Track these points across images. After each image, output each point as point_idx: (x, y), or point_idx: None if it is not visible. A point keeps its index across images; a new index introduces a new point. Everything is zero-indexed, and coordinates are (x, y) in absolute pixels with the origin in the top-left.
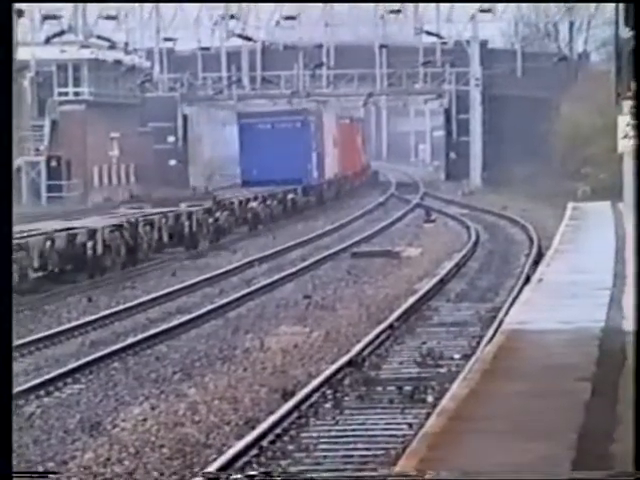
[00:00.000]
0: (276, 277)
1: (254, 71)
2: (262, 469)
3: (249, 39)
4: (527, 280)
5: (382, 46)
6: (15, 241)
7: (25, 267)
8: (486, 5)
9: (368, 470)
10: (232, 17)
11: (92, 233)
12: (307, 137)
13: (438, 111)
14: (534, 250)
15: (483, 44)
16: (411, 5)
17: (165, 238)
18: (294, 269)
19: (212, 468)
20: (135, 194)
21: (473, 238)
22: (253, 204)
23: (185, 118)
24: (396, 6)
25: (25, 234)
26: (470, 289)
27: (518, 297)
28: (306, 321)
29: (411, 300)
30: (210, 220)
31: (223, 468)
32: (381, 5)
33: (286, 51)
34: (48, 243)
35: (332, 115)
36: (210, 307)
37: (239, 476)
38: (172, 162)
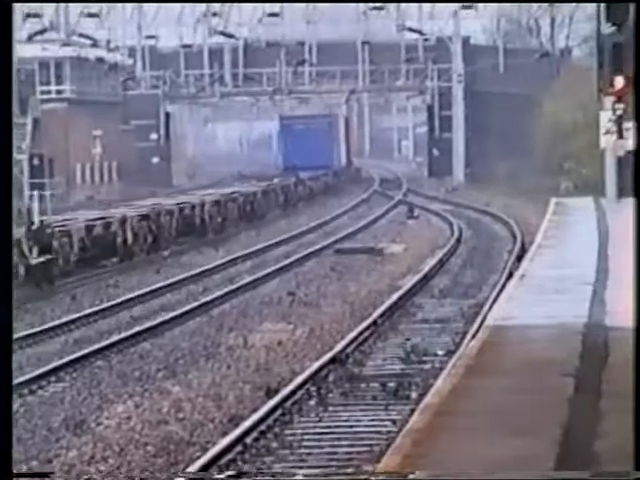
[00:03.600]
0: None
1: (236, 68)
2: (247, 465)
3: (231, 36)
4: (510, 276)
5: (364, 43)
6: None
7: None
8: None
9: (352, 467)
10: (214, 14)
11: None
12: (332, 134)
13: (421, 107)
14: (517, 246)
15: (465, 40)
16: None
17: (281, 201)
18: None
19: (196, 465)
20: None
21: (456, 234)
22: (310, 182)
23: (167, 116)
24: (378, 3)
25: None
26: (453, 285)
27: (501, 293)
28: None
29: (394, 297)
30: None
31: (207, 466)
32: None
33: (268, 48)
34: None
35: (341, 117)
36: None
37: (222, 476)
38: (155, 160)
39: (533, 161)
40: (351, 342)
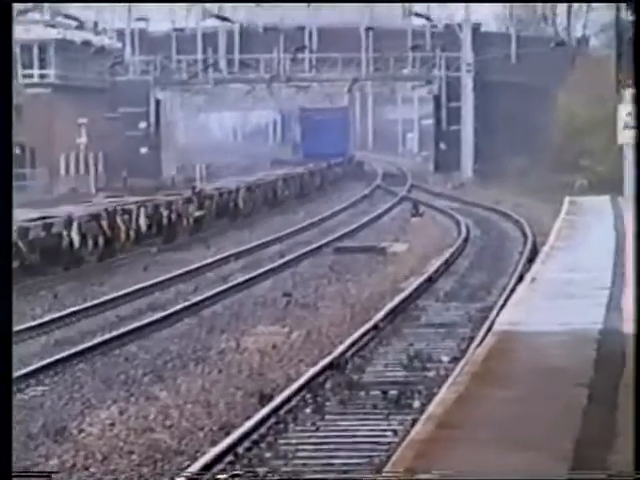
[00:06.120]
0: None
1: (231, 54)
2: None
3: (227, 20)
4: (520, 279)
5: (368, 28)
6: None
7: None
8: None
9: None
10: None
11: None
12: (346, 125)
13: (427, 98)
14: (528, 247)
15: (476, 28)
16: None
17: (318, 181)
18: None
19: (184, 476)
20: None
21: (463, 234)
22: (335, 168)
23: (158, 103)
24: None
25: None
26: (460, 288)
27: (511, 297)
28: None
29: (397, 299)
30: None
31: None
32: None
33: (266, 33)
34: None
35: (350, 109)
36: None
37: (224, 476)
38: (143, 150)
39: (546, 156)
40: (350, 347)
